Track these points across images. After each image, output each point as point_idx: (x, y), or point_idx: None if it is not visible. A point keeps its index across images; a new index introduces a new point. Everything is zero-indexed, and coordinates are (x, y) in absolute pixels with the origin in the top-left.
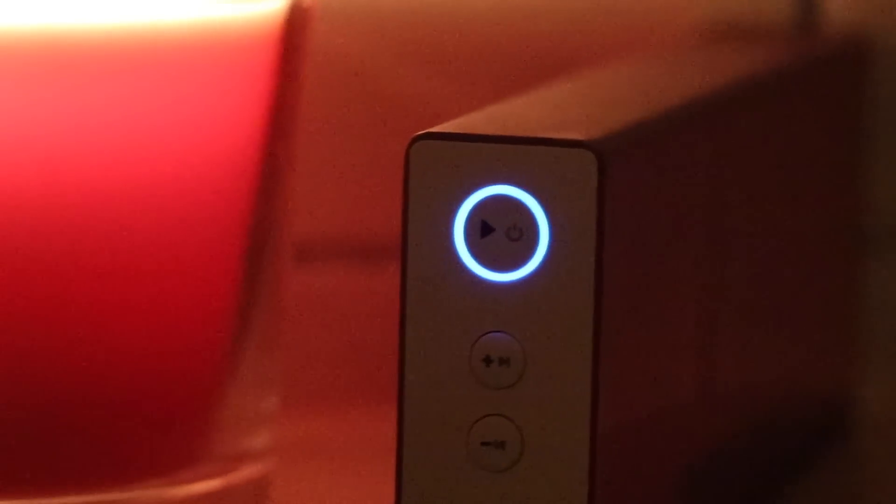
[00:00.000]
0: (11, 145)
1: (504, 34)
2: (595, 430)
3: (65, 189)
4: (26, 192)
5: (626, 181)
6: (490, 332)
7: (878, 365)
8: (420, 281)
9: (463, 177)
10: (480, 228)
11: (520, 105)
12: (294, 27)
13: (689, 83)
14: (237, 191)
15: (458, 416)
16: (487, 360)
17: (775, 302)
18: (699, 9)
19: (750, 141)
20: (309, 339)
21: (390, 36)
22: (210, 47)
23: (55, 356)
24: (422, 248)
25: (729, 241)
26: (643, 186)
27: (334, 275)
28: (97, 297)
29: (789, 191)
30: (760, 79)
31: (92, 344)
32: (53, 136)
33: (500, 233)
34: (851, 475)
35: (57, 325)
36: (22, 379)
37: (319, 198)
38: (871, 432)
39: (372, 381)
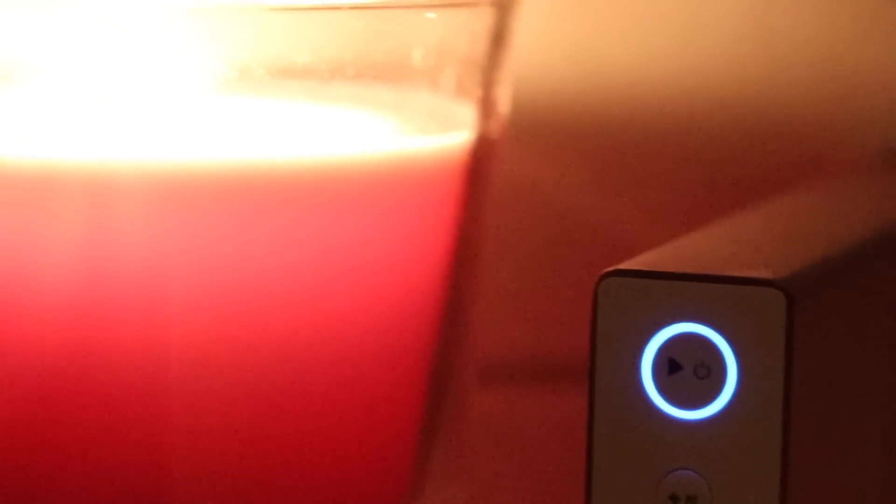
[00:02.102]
0: (205, 282)
1: (693, 158)
2: None
3: (256, 317)
4: (227, 328)
5: (813, 319)
6: (677, 469)
7: None
8: (607, 416)
9: (651, 314)
10: (668, 366)
11: (706, 239)
12: (480, 158)
13: (871, 211)
14: (423, 318)
15: None
16: (674, 498)
17: None
18: (878, 131)
19: None
20: (492, 464)
21: (578, 160)
22: (397, 181)
23: (246, 485)
24: (609, 384)
25: None
26: (830, 323)
27: (518, 399)
28: (285, 425)
29: None
30: None
31: (280, 472)
32: (237, 272)
33: (687, 370)
34: None
35: (247, 453)
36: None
37: (505, 321)
38: None
39: None
